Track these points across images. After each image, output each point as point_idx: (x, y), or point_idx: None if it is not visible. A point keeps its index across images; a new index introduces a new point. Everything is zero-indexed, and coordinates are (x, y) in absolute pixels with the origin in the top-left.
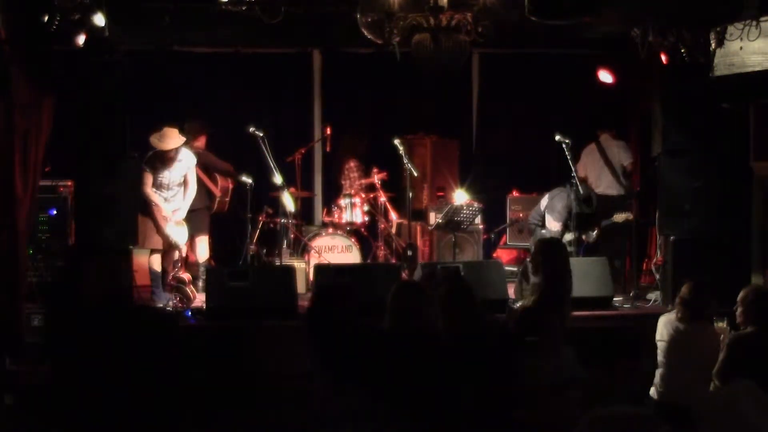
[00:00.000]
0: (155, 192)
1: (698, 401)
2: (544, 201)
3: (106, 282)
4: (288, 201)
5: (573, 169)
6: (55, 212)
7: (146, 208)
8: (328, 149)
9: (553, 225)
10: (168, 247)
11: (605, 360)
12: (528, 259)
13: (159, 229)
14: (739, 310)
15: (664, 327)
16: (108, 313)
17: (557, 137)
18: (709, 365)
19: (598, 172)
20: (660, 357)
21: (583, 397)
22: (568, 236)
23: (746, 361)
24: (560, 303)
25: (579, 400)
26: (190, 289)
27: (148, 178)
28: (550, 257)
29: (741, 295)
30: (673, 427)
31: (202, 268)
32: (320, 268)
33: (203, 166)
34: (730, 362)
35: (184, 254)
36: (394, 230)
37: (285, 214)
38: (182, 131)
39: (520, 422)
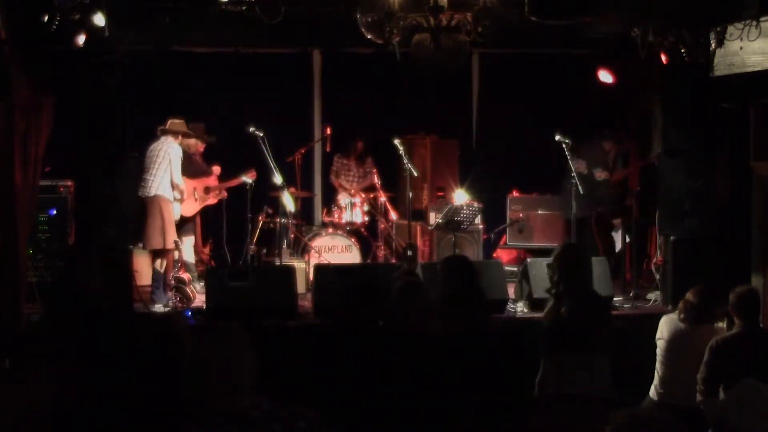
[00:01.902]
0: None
1: (712, 405)
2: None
3: (105, 282)
4: (288, 201)
5: (573, 168)
6: (55, 212)
7: (154, 207)
8: (328, 149)
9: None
10: (174, 247)
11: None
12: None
13: (172, 228)
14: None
15: (665, 326)
16: (108, 315)
17: (557, 137)
18: None
19: None
20: (659, 356)
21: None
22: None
23: (730, 364)
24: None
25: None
26: (190, 289)
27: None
28: (575, 264)
29: (731, 299)
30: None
31: (192, 268)
32: (320, 268)
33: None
34: (713, 366)
35: (185, 255)
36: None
37: (285, 214)
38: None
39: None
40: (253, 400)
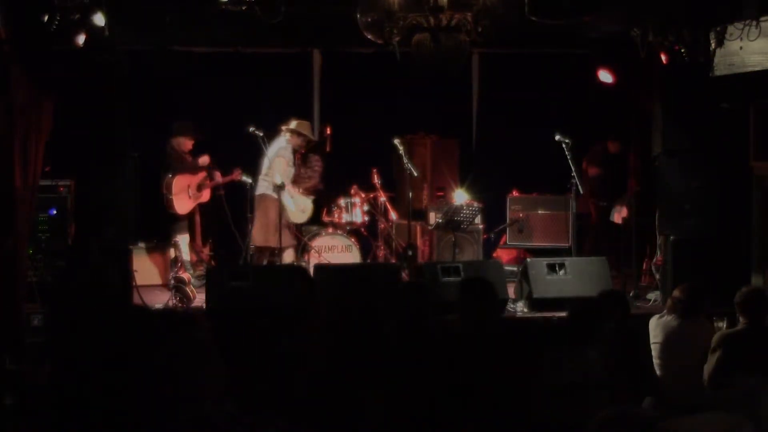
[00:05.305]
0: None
1: (710, 397)
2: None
3: (103, 282)
4: (288, 201)
5: (573, 169)
6: (55, 212)
7: (260, 206)
8: (328, 149)
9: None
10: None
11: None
12: None
13: (276, 227)
14: (741, 317)
15: (656, 328)
16: (106, 313)
17: (557, 137)
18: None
19: None
20: (655, 358)
21: (608, 399)
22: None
23: (736, 358)
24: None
25: (603, 402)
26: (189, 289)
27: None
28: None
29: (737, 299)
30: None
31: (188, 266)
32: (320, 268)
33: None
34: (723, 358)
35: (184, 255)
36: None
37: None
38: (176, 130)
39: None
40: (217, 405)
